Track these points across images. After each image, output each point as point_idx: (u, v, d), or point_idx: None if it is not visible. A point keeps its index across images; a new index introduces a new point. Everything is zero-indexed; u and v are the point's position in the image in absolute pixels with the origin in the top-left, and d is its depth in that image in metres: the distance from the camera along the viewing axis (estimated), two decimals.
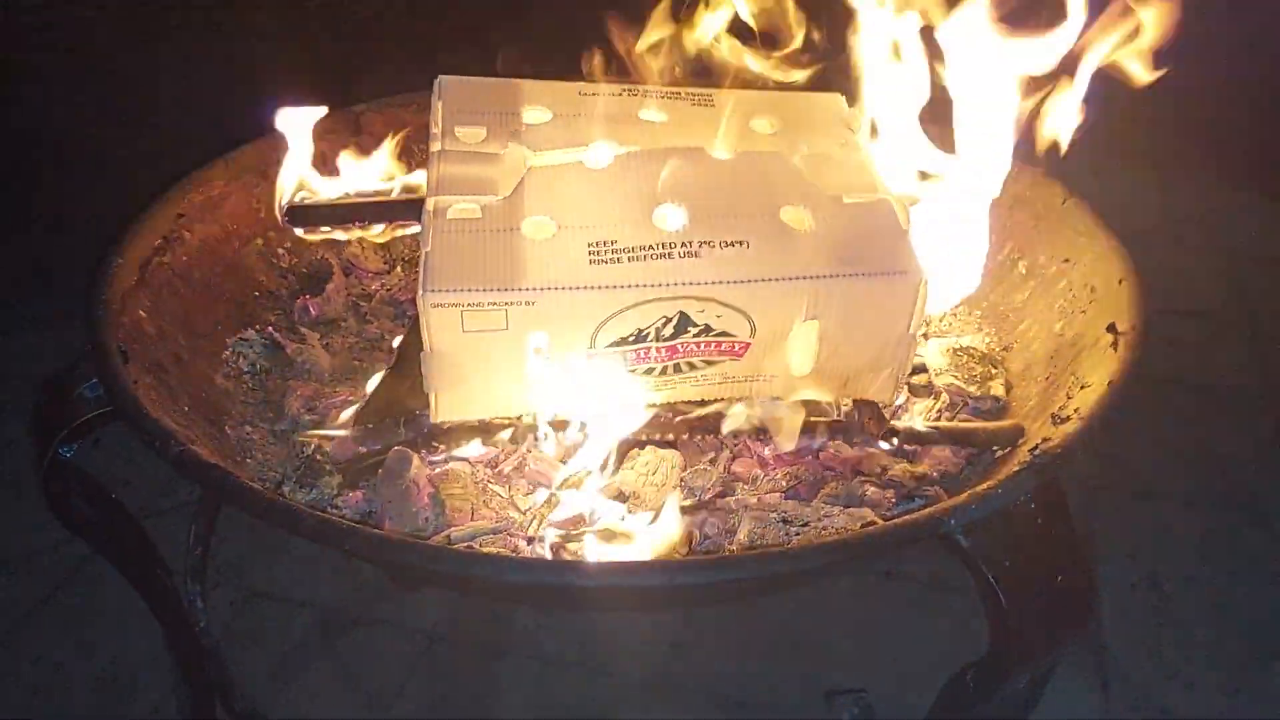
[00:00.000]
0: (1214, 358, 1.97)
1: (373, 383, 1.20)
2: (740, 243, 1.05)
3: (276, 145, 1.43)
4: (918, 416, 1.17)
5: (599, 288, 1.01)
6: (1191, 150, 2.57)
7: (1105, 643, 1.43)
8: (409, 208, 1.26)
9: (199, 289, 1.28)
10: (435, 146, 1.13)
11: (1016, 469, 0.90)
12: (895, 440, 1.07)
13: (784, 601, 1.44)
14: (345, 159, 1.40)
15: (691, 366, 1.08)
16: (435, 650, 1.42)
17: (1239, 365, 1.95)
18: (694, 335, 1.05)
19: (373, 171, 1.37)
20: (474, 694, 1.36)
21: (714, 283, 1.02)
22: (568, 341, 1.03)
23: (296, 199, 1.29)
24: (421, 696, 1.35)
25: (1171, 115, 2.65)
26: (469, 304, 0.99)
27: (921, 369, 1.24)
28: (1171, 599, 1.50)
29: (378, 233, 1.31)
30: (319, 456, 1.11)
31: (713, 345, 1.06)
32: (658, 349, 1.06)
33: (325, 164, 1.46)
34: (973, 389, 1.22)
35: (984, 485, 0.88)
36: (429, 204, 1.07)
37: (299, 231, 1.29)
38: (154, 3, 2.29)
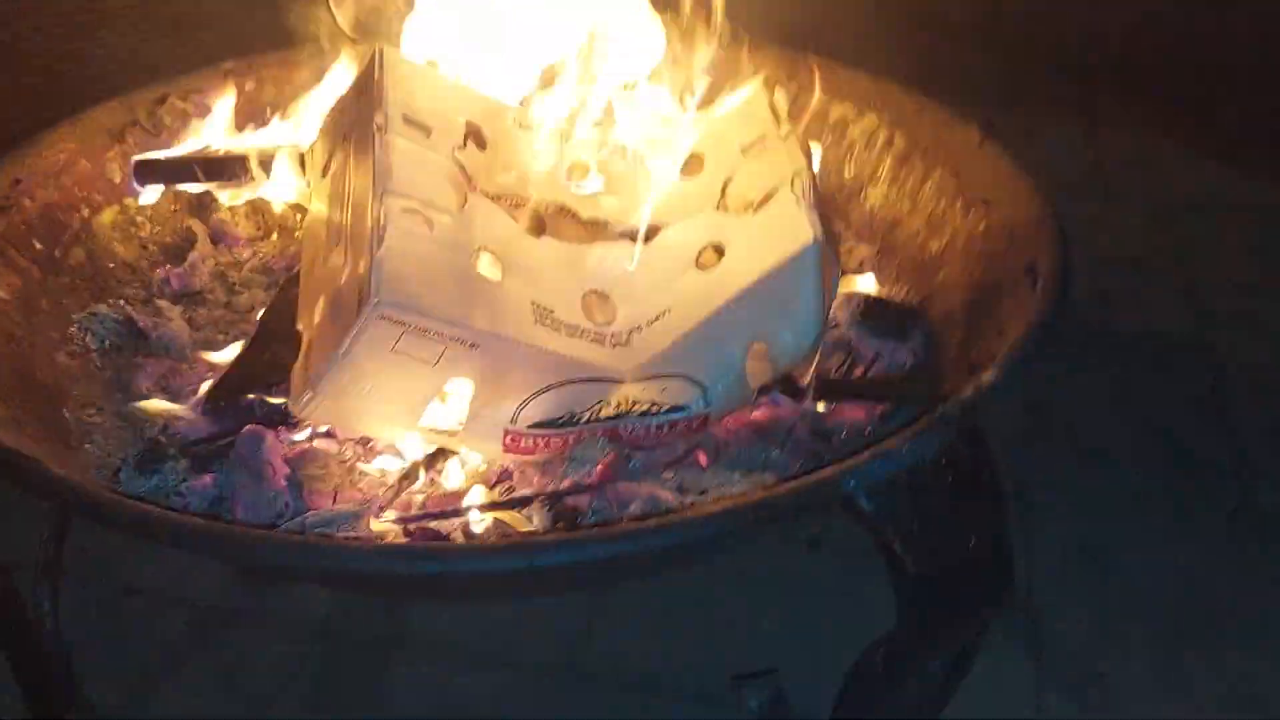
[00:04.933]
0: (1147, 308, 1.92)
1: (230, 355, 1.09)
2: (665, 313, 0.97)
3: (133, 104, 1.32)
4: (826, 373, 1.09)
5: (549, 351, 0.91)
6: (1118, 100, 2.52)
7: (1038, 608, 1.37)
8: (263, 164, 1.16)
9: (40, 261, 1.17)
10: (378, 119, 0.98)
11: (923, 423, 0.81)
12: (798, 397, 0.98)
13: (700, 577, 1.36)
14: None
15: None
16: (322, 646, 1.32)
17: (1172, 314, 1.90)
18: (639, 415, 0.96)
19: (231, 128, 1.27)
20: (364, 691, 1.26)
21: (649, 361, 0.95)
22: (492, 403, 0.92)
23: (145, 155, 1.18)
24: (305, 695, 1.25)
25: (1097, 65, 2.61)
26: (416, 326, 0.87)
27: (832, 324, 1.16)
28: (1107, 560, 1.44)
29: (237, 189, 1.20)
30: (162, 438, 1.00)
31: (665, 428, 0.97)
32: (590, 433, 0.97)
33: (189, 123, 1.35)
34: (887, 342, 1.14)
35: (887, 442, 0.79)
36: (381, 197, 0.91)
37: (146, 189, 1.18)
38: None
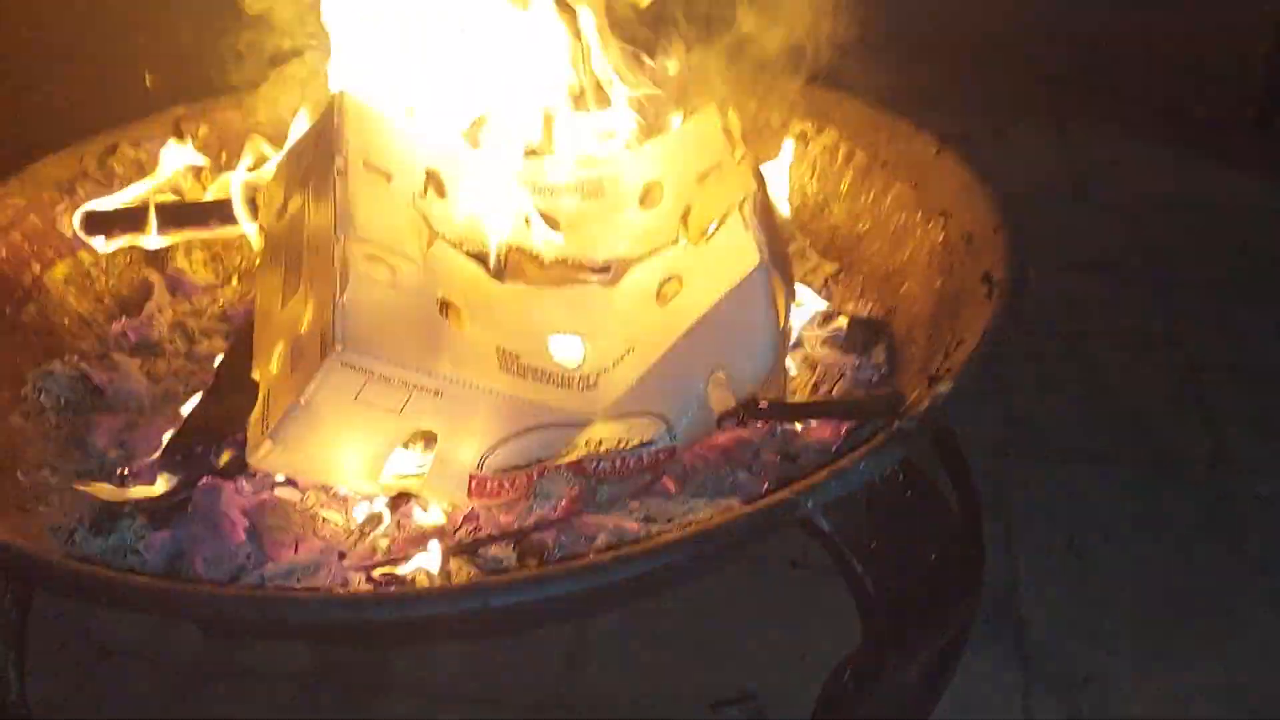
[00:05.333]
0: (1120, 309, 1.91)
1: (188, 408, 1.08)
2: (628, 351, 0.97)
3: (82, 155, 1.31)
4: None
5: (515, 397, 0.91)
6: (1088, 101, 2.52)
7: (1022, 613, 1.35)
8: (213, 211, 1.15)
9: None
10: (338, 163, 0.97)
11: (878, 439, 0.80)
12: (760, 420, 0.97)
13: (683, 602, 1.34)
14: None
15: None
16: (307, 696, 1.29)
17: (1145, 315, 1.89)
18: (607, 454, 0.97)
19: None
20: None
21: (615, 402, 0.94)
22: (457, 448, 0.92)
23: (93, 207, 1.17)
24: None
25: (1069, 68, 2.62)
26: (379, 374, 0.86)
27: (797, 343, 1.15)
28: (1090, 561, 1.43)
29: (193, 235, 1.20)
30: (118, 498, 0.98)
31: (631, 462, 0.97)
32: (555, 467, 0.97)
33: (142, 172, 1.34)
34: (852, 358, 1.13)
35: (842, 460, 0.78)
36: (343, 243, 0.91)
37: (96, 242, 1.17)
38: None
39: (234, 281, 1.35)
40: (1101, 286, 1.97)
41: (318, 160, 1.01)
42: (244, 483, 0.99)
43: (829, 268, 1.30)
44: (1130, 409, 1.67)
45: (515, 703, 1.29)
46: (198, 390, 1.14)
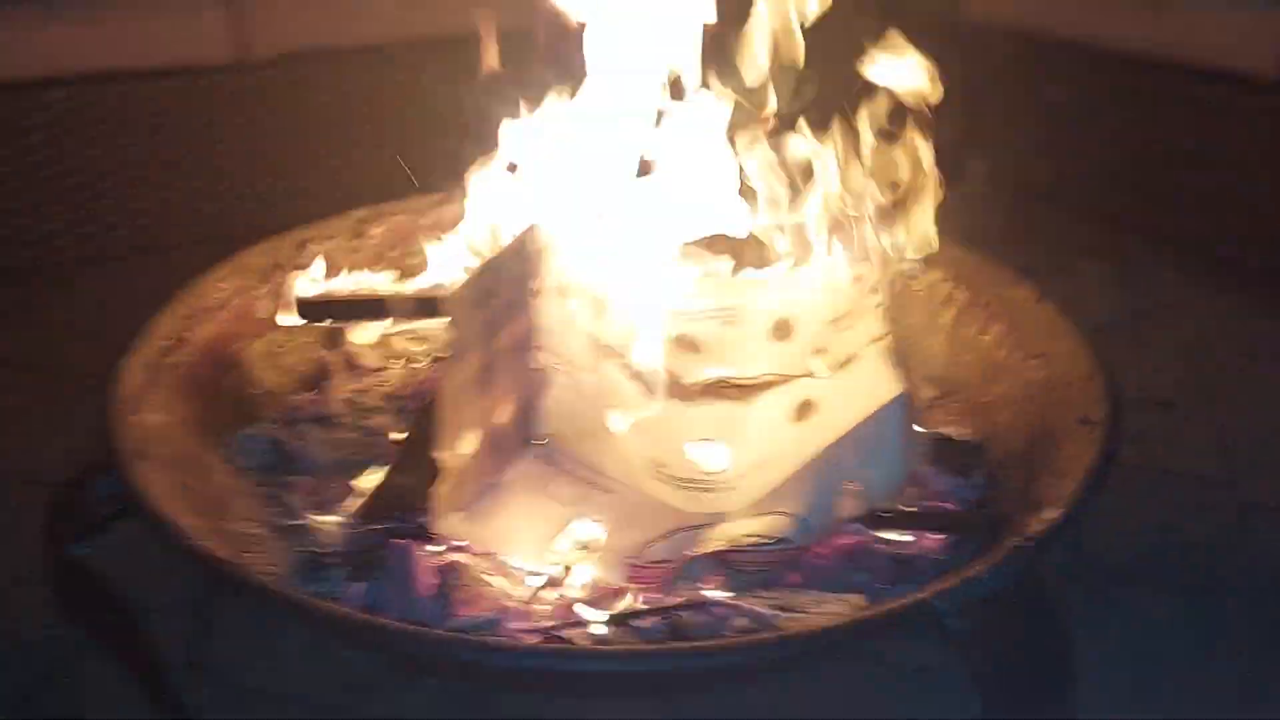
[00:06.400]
0: (1178, 445, 2.02)
1: (375, 478, 1.24)
2: (765, 461, 1.12)
3: (279, 247, 1.50)
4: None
5: (668, 504, 1.09)
6: (1150, 247, 2.66)
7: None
8: (413, 306, 1.33)
9: (204, 388, 1.32)
10: (534, 285, 1.18)
11: (1000, 556, 0.95)
12: (880, 527, 1.12)
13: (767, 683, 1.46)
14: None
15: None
16: None
17: (1201, 452, 2.01)
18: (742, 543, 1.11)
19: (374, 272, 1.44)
20: None
21: (752, 503, 1.10)
22: (617, 538, 1.08)
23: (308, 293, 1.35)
24: None
25: (1133, 216, 2.77)
26: (565, 468, 1.07)
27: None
28: (1140, 679, 1.54)
29: (383, 329, 1.37)
30: (321, 550, 1.14)
31: (764, 556, 1.11)
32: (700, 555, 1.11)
33: (327, 265, 1.52)
34: (955, 478, 1.28)
35: (970, 571, 0.92)
36: (540, 354, 1.13)
37: (302, 322, 1.34)
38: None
39: (395, 366, 1.51)
40: (1159, 423, 2.09)
41: (513, 278, 1.19)
42: (424, 545, 1.15)
43: (929, 391, 1.45)
44: (1185, 542, 1.79)
45: None
46: (371, 461, 1.31)
